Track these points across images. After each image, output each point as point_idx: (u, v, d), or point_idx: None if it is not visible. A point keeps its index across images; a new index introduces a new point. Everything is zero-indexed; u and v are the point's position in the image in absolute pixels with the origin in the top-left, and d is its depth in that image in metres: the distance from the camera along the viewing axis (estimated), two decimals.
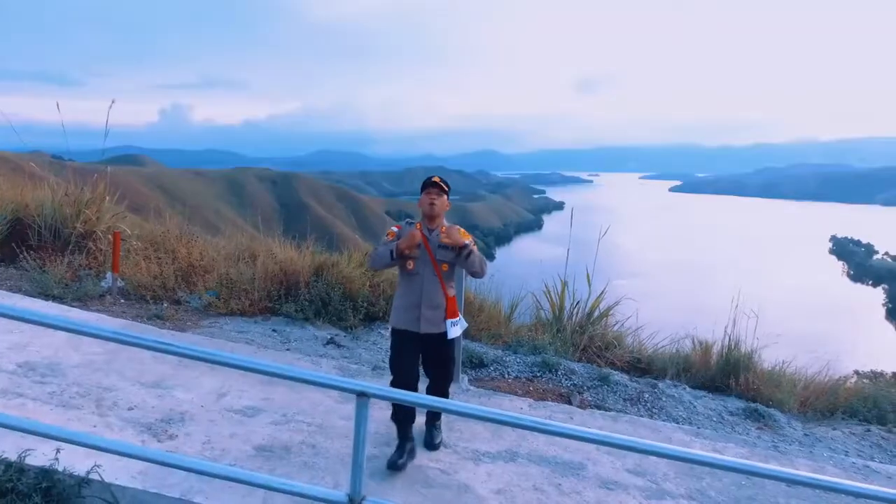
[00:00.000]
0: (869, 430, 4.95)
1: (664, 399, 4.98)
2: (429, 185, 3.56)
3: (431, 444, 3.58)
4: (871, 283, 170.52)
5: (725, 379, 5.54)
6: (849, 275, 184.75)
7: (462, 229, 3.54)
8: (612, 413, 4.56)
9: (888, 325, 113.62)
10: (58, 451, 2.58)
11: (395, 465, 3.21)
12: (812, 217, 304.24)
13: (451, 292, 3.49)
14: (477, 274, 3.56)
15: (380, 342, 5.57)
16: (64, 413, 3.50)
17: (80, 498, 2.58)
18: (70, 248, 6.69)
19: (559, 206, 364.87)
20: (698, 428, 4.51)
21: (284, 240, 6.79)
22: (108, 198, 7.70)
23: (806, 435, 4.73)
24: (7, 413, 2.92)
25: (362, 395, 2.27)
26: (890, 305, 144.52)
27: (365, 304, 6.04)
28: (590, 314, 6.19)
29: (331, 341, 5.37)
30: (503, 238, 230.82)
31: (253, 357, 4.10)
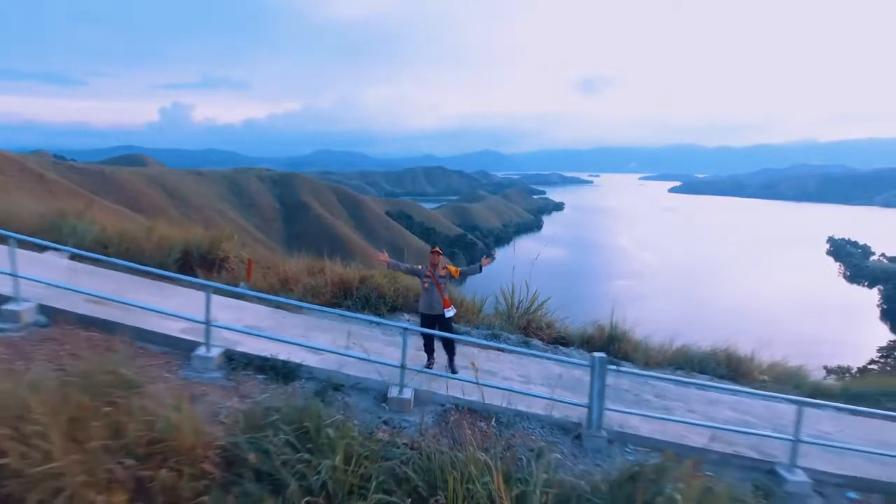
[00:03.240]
0: (676, 371, 8.66)
1: (558, 353, 8.69)
2: (432, 252, 6.98)
3: (452, 370, 6.74)
4: (866, 284, 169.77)
5: (609, 346, 8.89)
6: (845, 276, 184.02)
7: (452, 267, 6.87)
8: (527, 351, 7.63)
9: (882, 326, 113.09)
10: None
11: (427, 367, 6.56)
12: (811, 218, 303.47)
13: (446, 296, 6.80)
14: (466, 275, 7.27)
15: (401, 320, 8.71)
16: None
17: (297, 374, 5.88)
18: (216, 267, 9.52)
19: (559, 206, 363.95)
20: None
21: (338, 261, 9.91)
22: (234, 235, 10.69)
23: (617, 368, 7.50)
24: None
25: (405, 330, 5.90)
26: (885, 306, 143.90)
27: (390, 301, 9.12)
28: (529, 307, 9.59)
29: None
30: (503, 239, 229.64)
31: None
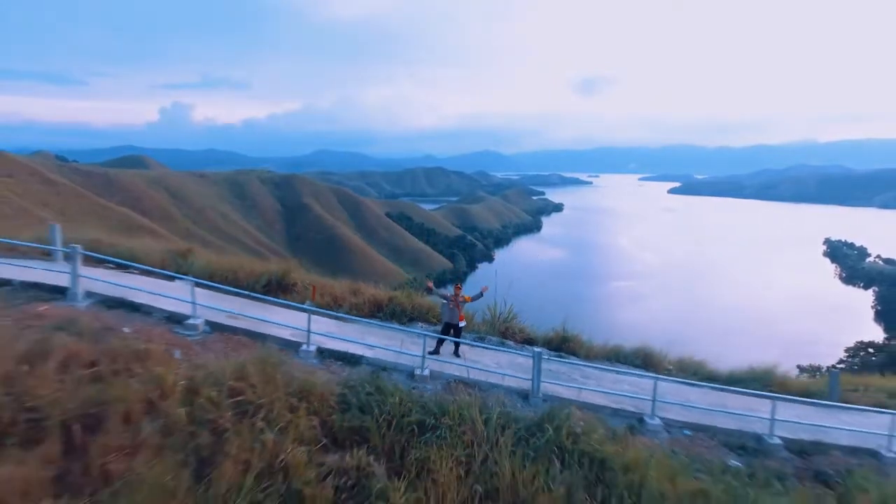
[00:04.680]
0: (608, 362, 12.48)
1: (524, 349, 11.88)
2: (455, 287, 10.63)
3: (457, 355, 10.47)
4: (862, 285, 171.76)
5: (562, 345, 12.57)
6: (841, 277, 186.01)
7: (465, 295, 10.55)
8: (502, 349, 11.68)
9: (876, 327, 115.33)
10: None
11: (432, 353, 10.21)
12: (809, 219, 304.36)
13: (462, 313, 10.48)
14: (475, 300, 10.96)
15: (417, 328, 12.16)
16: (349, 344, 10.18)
17: (359, 361, 9.59)
18: (288, 289, 12.90)
19: (558, 207, 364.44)
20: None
21: (373, 284, 13.99)
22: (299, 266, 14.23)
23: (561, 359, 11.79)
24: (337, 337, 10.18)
25: (423, 335, 9.98)
26: (879, 308, 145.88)
27: (409, 314, 12.71)
28: (507, 317, 13.17)
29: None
30: (502, 240, 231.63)
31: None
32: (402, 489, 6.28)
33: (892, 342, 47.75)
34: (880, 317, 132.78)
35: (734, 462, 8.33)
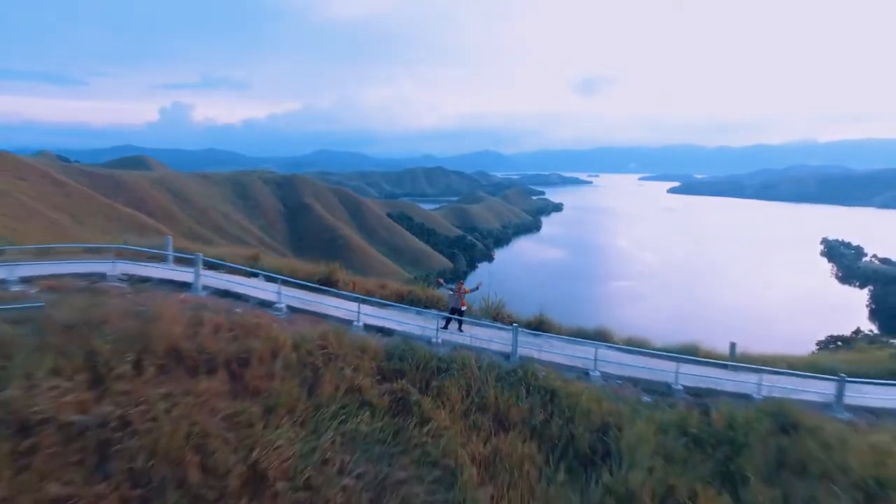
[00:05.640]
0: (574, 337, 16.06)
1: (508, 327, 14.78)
2: (459, 282, 15.24)
3: (460, 330, 14.74)
4: (858, 284, 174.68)
5: (540, 325, 16.31)
6: (837, 277, 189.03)
7: (467, 287, 14.91)
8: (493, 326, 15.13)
9: (871, 326, 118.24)
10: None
11: (444, 328, 14.58)
12: (808, 219, 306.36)
13: (464, 301, 14.87)
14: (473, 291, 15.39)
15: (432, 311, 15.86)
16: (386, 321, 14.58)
17: (393, 333, 13.97)
18: (334, 284, 16.75)
19: (558, 207, 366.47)
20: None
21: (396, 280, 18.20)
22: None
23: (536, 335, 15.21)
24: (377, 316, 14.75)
25: (437, 316, 15.00)
26: (873, 307, 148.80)
27: (425, 302, 16.83)
28: (497, 305, 17.14)
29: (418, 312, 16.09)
30: (502, 240, 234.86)
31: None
32: (430, 401, 10.47)
33: (857, 335, 51.93)
34: (874, 315, 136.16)
35: (646, 398, 12.50)
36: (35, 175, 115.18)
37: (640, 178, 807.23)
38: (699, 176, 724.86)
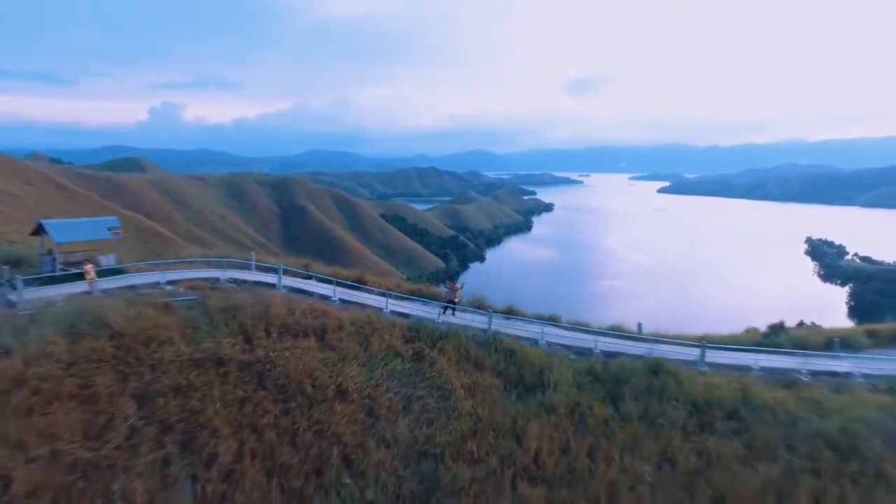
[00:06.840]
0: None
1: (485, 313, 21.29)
2: (453, 281, 23.76)
3: (454, 314, 21.98)
4: (839, 282, 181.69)
5: (511, 312, 23.67)
6: (820, 275, 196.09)
7: (458, 286, 22.67)
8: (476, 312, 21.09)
9: (850, 323, 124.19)
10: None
11: (443, 313, 21.84)
12: (794, 218, 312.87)
13: (456, 295, 22.45)
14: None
15: (436, 304, 21.95)
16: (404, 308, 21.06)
17: (409, 316, 21.25)
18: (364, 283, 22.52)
19: (549, 207, 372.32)
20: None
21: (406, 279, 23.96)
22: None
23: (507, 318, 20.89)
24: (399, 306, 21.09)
25: (439, 306, 22.32)
26: (852, 304, 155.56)
27: (429, 297, 24.06)
28: (480, 298, 24.34)
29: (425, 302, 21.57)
30: (493, 240, 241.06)
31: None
32: (436, 353, 17.35)
33: (801, 325, 59.16)
34: (853, 312, 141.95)
35: (573, 356, 19.40)
36: (40, 180, 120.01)
37: (631, 178, 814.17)
38: (689, 176, 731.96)
